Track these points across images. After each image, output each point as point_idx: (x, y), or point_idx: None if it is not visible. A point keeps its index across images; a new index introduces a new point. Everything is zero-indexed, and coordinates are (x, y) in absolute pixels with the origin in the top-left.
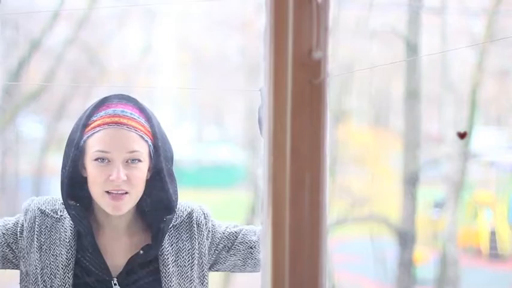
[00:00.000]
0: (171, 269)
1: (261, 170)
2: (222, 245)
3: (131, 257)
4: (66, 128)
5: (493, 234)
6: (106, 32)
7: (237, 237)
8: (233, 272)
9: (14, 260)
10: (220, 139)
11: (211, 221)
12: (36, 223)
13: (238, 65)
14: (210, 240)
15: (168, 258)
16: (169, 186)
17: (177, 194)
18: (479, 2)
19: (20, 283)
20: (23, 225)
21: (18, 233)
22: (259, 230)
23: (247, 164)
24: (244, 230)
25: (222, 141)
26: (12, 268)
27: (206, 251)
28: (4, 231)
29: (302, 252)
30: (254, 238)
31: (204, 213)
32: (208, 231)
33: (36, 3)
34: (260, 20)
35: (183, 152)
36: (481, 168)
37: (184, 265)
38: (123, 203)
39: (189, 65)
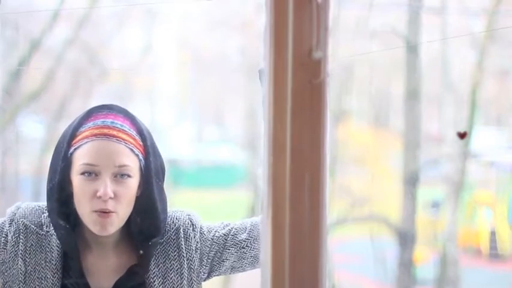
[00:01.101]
0: None
1: (261, 170)
2: (213, 252)
3: (118, 279)
4: None
5: (493, 234)
6: (106, 32)
7: (226, 240)
8: (234, 273)
9: None
10: (220, 139)
11: (200, 228)
12: (21, 240)
13: (238, 65)
14: (199, 251)
15: (154, 281)
16: (158, 205)
17: (166, 213)
18: (479, 2)
19: None
20: (7, 236)
21: (2, 244)
22: (250, 224)
23: (247, 164)
24: (233, 230)
25: (222, 141)
26: None
27: (196, 266)
28: None
29: (302, 252)
30: (244, 236)
31: (192, 225)
32: (197, 242)
33: (36, 3)
34: (260, 20)
35: (183, 152)
36: (481, 168)
37: (173, 286)
38: (109, 222)
39: (189, 64)
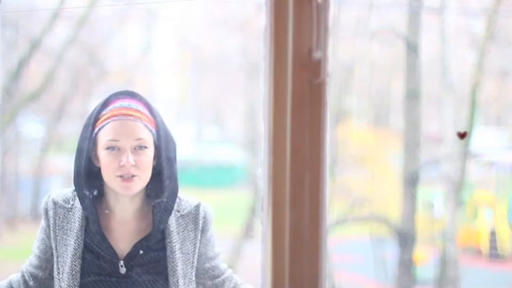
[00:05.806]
0: (177, 255)
1: (261, 170)
2: (201, 263)
3: (136, 243)
4: (66, 128)
5: (493, 234)
6: (106, 31)
7: (212, 280)
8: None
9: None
10: (220, 139)
11: (211, 231)
12: (51, 216)
13: (238, 65)
14: (199, 243)
15: (175, 245)
16: (165, 172)
17: (174, 180)
18: (479, 2)
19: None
20: (48, 220)
21: (46, 237)
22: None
23: (247, 164)
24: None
25: (222, 141)
26: None
27: (199, 244)
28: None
29: (302, 252)
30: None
31: (207, 214)
32: (205, 232)
33: (36, 2)
34: (260, 20)
35: (183, 152)
36: (481, 168)
37: (188, 252)
38: (133, 184)
39: (189, 64)
